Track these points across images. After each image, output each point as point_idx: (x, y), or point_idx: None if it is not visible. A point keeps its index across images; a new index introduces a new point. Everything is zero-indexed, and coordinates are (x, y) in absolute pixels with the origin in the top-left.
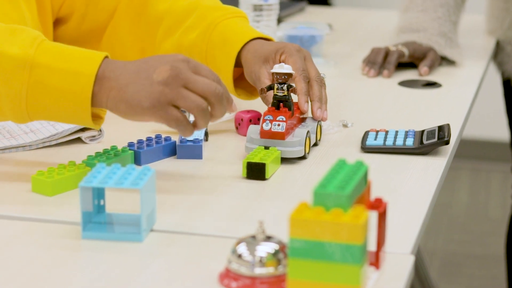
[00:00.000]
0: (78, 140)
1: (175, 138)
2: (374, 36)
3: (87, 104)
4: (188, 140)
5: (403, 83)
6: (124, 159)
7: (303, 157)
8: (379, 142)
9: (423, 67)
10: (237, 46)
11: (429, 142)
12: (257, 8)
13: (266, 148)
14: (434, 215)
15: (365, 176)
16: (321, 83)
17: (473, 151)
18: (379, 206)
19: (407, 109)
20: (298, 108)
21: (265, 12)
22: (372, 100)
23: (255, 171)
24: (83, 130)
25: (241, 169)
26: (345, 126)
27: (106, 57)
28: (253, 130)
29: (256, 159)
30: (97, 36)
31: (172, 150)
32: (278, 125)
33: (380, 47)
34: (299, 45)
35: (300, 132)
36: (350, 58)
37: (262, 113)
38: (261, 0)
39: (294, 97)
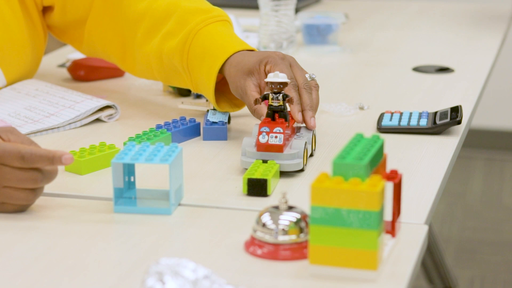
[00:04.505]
0: (98, 120)
1: (199, 120)
2: (388, 24)
3: None
4: (213, 122)
5: (417, 69)
6: (163, 140)
7: (301, 170)
8: (394, 122)
9: None
10: (219, 62)
11: (442, 122)
12: None
13: (264, 161)
14: (449, 203)
15: (381, 149)
16: (310, 89)
17: (487, 141)
18: (394, 177)
19: (420, 93)
20: (292, 118)
21: (283, 2)
22: (387, 84)
23: (257, 188)
24: (102, 110)
25: None
26: (361, 108)
27: None
28: (248, 142)
29: (256, 175)
30: (81, 27)
31: (197, 131)
32: (276, 137)
33: None
34: (282, 52)
35: (297, 144)
36: (366, 46)
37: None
38: None
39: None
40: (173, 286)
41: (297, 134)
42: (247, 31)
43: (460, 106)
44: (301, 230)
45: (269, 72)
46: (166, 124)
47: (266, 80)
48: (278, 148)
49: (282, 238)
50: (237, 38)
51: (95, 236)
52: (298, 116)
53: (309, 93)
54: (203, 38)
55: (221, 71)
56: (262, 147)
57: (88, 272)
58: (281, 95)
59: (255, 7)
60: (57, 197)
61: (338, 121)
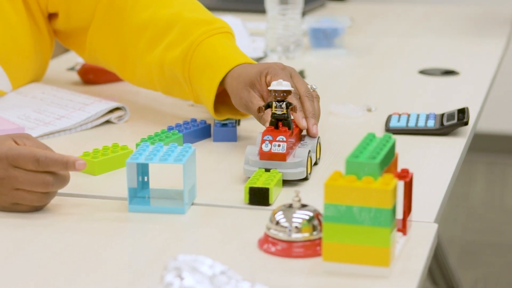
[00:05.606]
0: (107, 122)
1: (210, 121)
2: (394, 28)
3: None
4: (223, 124)
5: (423, 71)
6: (175, 141)
7: (304, 178)
8: (402, 124)
9: None
10: (220, 74)
11: (449, 123)
12: (283, 1)
13: (267, 170)
14: (452, 206)
15: (393, 148)
16: (312, 97)
17: (489, 145)
18: (405, 176)
19: (426, 95)
20: (296, 126)
21: (290, 6)
22: (394, 87)
23: (258, 197)
24: (112, 111)
25: None
26: (369, 110)
27: None
28: (251, 151)
29: (258, 184)
30: (84, 34)
31: (207, 133)
32: (279, 145)
33: None
34: (283, 63)
35: (301, 152)
36: (371, 49)
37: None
38: None
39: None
40: (191, 282)
41: (301, 142)
42: (254, 35)
43: (467, 107)
44: (314, 228)
45: (270, 82)
46: (178, 125)
47: (270, 88)
48: (281, 157)
49: (295, 236)
50: (239, 50)
51: (110, 234)
52: (302, 122)
53: (311, 101)
54: (205, 50)
55: (222, 83)
56: (265, 156)
57: (103, 269)
58: (284, 103)
59: (262, 11)
60: (71, 197)
61: (346, 122)
